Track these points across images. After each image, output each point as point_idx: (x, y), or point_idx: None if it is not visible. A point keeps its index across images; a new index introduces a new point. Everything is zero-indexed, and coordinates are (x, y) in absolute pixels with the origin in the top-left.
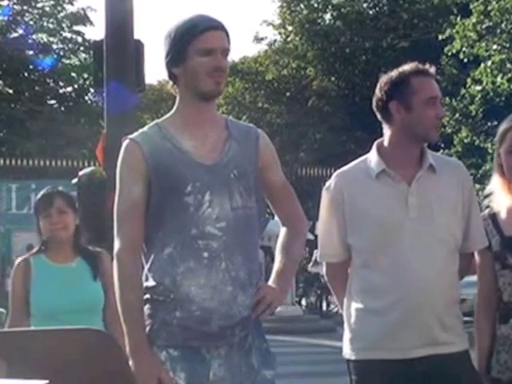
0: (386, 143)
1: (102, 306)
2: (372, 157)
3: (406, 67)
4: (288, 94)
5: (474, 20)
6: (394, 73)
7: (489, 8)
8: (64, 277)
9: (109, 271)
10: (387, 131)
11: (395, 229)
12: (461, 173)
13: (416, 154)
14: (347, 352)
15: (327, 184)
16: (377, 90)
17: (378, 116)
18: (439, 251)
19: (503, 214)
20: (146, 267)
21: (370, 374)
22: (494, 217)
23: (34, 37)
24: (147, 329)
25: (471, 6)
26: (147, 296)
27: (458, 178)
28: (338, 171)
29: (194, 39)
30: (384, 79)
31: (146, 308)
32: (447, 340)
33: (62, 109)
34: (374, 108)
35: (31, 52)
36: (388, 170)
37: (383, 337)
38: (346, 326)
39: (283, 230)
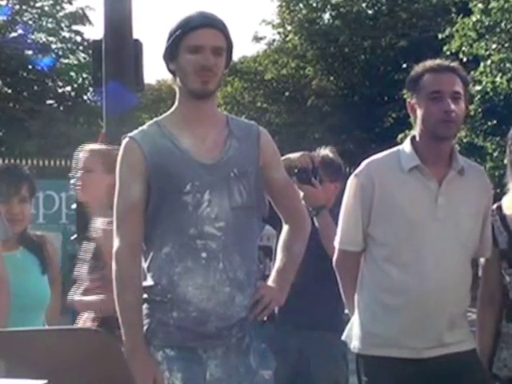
0: (417, 138)
1: (47, 304)
2: (405, 150)
3: (426, 63)
4: (287, 93)
5: (474, 19)
6: (413, 70)
7: (489, 7)
8: (8, 267)
9: (54, 261)
10: (416, 127)
11: (421, 227)
12: (486, 178)
13: (445, 153)
14: (358, 346)
15: (357, 171)
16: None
17: (411, 113)
18: (459, 255)
19: None
20: (145, 266)
21: (381, 370)
22: (501, 213)
23: (32, 36)
24: (144, 328)
25: (471, 5)
26: (145, 296)
27: (483, 184)
28: (369, 160)
29: (185, 36)
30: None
31: (144, 308)
32: (457, 339)
33: (61, 108)
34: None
35: (30, 52)
36: (422, 165)
37: (399, 335)
38: (357, 319)
39: (285, 228)
